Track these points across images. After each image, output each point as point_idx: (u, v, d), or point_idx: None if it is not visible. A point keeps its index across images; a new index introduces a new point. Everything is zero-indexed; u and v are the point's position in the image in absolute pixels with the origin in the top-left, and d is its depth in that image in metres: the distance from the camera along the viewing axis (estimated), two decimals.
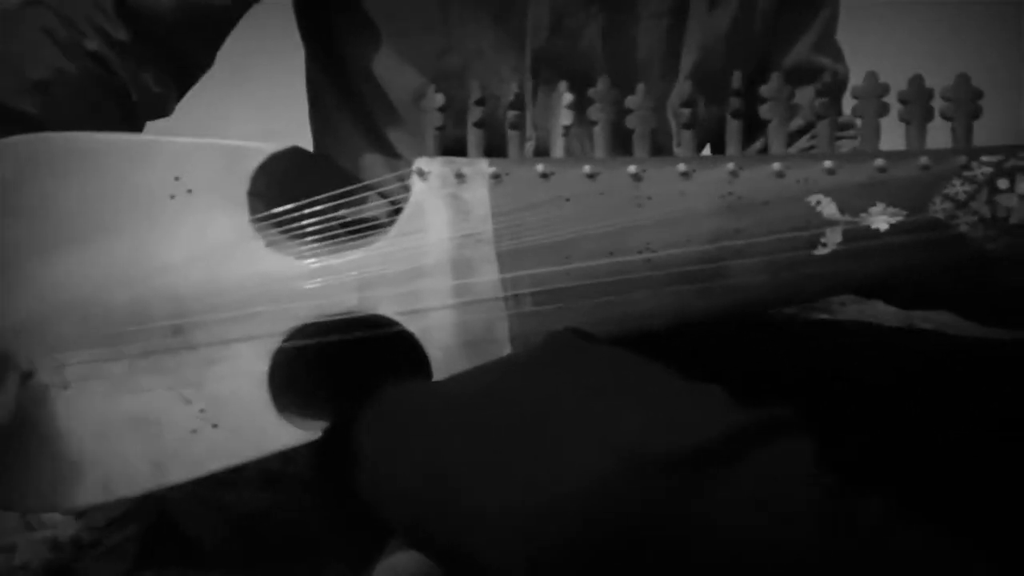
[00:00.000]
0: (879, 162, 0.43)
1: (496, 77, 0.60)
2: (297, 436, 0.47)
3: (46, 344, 0.47)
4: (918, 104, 0.45)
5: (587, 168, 0.45)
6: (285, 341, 0.46)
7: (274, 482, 0.68)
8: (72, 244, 0.47)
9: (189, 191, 0.46)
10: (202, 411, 0.47)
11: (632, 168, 0.45)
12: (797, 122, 0.70)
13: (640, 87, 0.46)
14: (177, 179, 0.46)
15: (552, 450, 0.37)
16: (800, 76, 0.69)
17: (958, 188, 0.43)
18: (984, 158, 0.43)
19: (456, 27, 0.59)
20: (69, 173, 0.47)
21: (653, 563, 0.34)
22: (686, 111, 0.46)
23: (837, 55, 0.71)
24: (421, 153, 0.46)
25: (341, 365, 0.50)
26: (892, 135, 0.45)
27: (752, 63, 0.68)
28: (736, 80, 0.46)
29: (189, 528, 0.60)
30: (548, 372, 0.41)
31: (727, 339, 0.56)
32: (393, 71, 0.62)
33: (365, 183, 0.46)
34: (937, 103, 0.45)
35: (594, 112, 0.46)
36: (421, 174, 0.46)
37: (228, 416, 0.47)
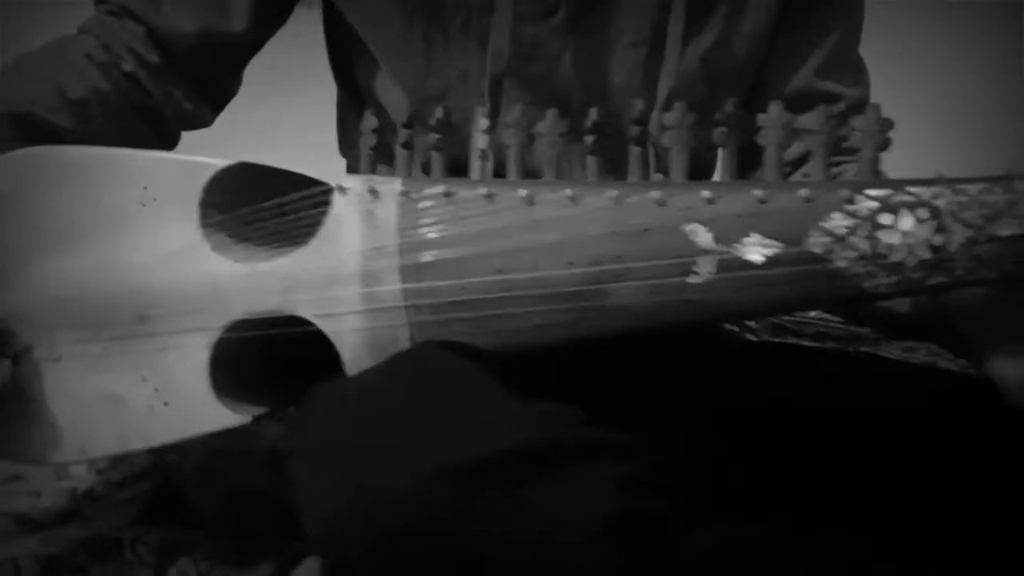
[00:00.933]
0: (758, 193, 0.43)
1: (480, 101, 0.63)
2: (232, 419, 0.52)
3: (43, 326, 0.56)
4: (823, 134, 0.44)
5: (483, 190, 0.48)
6: (224, 334, 0.52)
7: (279, 462, 0.75)
8: (63, 244, 0.55)
9: (155, 200, 0.53)
10: (157, 391, 0.54)
11: (524, 192, 0.47)
12: (799, 148, 0.68)
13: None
14: (145, 189, 0.54)
15: (370, 458, 0.40)
16: (803, 102, 0.67)
17: (838, 222, 0.42)
18: (870, 192, 0.42)
19: (439, 52, 0.63)
20: (61, 184, 0.55)
21: (438, 567, 0.37)
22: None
23: (852, 80, 0.68)
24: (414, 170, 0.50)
25: (283, 359, 0.55)
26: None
27: (740, 89, 0.67)
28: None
29: (190, 496, 0.68)
30: (389, 383, 0.44)
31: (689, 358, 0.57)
32: (390, 92, 0.67)
33: (295, 196, 0.51)
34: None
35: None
36: (342, 190, 0.50)
37: (177, 397, 0.53)
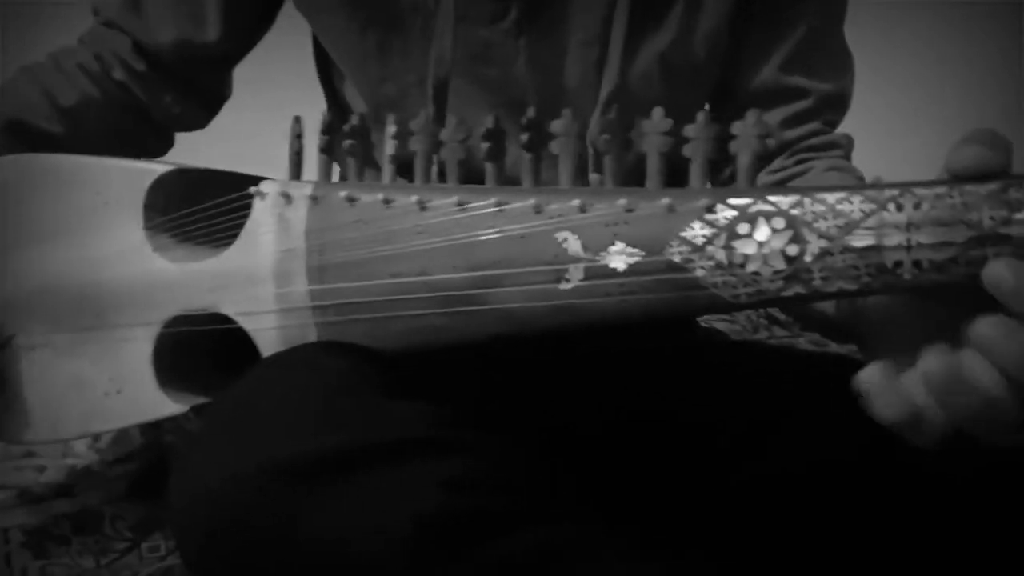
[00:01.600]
0: (624, 201, 0.43)
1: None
2: (173, 408, 0.57)
3: (22, 316, 0.62)
4: (702, 140, 0.44)
5: (381, 195, 0.49)
6: (164, 328, 0.56)
7: None
8: (38, 242, 0.61)
9: (106, 203, 0.58)
10: (111, 379, 0.58)
11: (415, 197, 0.48)
12: (769, 143, 0.66)
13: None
14: (98, 193, 0.58)
15: (209, 455, 0.42)
16: (769, 98, 0.66)
17: (697, 231, 0.41)
18: (731, 200, 0.41)
19: (395, 58, 0.64)
20: (36, 187, 0.61)
21: (262, 563, 0.39)
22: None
23: (823, 74, 0.66)
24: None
25: (219, 352, 0.59)
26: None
27: (701, 90, 0.66)
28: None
29: None
30: (247, 383, 0.47)
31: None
32: (354, 98, 0.70)
33: (221, 200, 0.55)
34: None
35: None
36: (261, 195, 0.53)
37: (127, 385, 0.58)
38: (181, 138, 0.79)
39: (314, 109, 0.56)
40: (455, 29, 0.61)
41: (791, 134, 0.65)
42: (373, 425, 0.41)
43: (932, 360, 0.35)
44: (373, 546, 0.37)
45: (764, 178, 0.66)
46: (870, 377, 0.38)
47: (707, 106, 0.68)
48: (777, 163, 0.67)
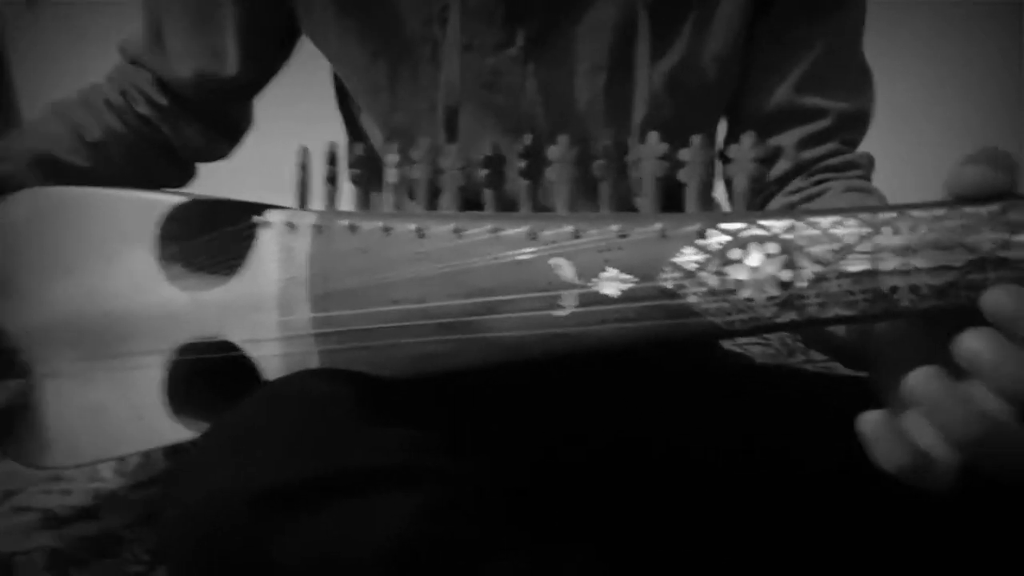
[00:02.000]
0: (616, 226, 0.42)
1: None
2: (187, 434, 0.57)
3: (45, 345, 0.63)
4: (698, 164, 0.43)
5: (381, 223, 0.49)
6: (176, 356, 0.57)
7: None
8: (60, 272, 0.62)
9: (122, 234, 0.59)
10: (129, 406, 0.59)
11: (414, 225, 0.48)
12: (783, 167, 0.65)
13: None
14: (114, 225, 0.59)
15: (196, 478, 0.43)
16: (784, 119, 0.65)
17: (688, 257, 0.40)
18: (723, 225, 0.40)
19: (406, 85, 0.65)
20: (57, 219, 0.62)
21: None
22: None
23: (840, 93, 0.65)
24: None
25: (230, 380, 0.59)
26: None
27: (714, 111, 0.65)
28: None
29: None
30: (243, 410, 0.47)
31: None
32: (370, 128, 0.71)
33: (229, 229, 0.55)
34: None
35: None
36: (266, 224, 0.53)
37: (146, 411, 0.59)
38: (210, 168, 0.81)
39: (338, 138, 0.56)
40: (463, 57, 0.61)
41: (808, 155, 0.63)
42: (348, 453, 0.41)
43: (922, 378, 0.34)
44: (344, 570, 0.37)
45: (782, 200, 0.65)
46: (871, 422, 0.36)
47: (723, 127, 0.68)
48: (795, 184, 0.65)
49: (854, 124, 0.66)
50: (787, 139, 0.65)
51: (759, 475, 0.51)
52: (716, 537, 0.51)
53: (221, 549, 0.39)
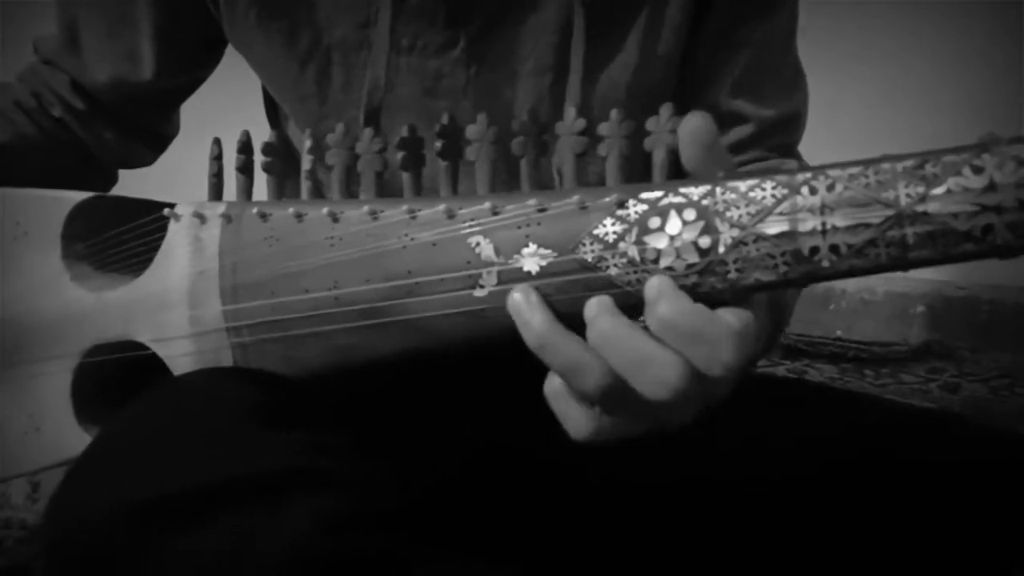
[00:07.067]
0: (534, 201, 0.41)
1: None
2: None
3: None
4: (616, 139, 0.42)
5: (292, 210, 0.47)
6: (82, 360, 0.54)
7: None
8: None
9: (26, 233, 0.56)
10: (30, 416, 0.56)
11: (326, 210, 0.46)
12: (745, 130, 0.65)
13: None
14: (18, 224, 0.56)
15: (80, 486, 0.40)
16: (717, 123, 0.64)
17: (608, 228, 0.39)
18: (643, 195, 0.39)
19: (337, 92, 0.63)
20: None
21: None
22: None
23: (769, 98, 0.64)
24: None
25: (139, 383, 0.56)
26: None
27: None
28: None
29: None
30: (133, 412, 0.44)
31: None
32: (296, 135, 0.68)
33: (135, 224, 0.53)
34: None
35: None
36: (175, 216, 0.51)
37: (46, 422, 0.55)
38: (137, 174, 0.78)
39: None
40: (408, 61, 0.60)
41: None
42: (244, 458, 0.38)
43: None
44: None
45: None
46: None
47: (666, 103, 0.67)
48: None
49: (783, 128, 0.66)
50: None
51: (685, 478, 0.50)
52: (638, 536, 0.49)
53: (103, 564, 0.36)
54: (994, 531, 0.49)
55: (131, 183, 0.78)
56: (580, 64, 0.58)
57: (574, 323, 0.40)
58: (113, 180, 0.76)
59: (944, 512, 0.49)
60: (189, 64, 0.70)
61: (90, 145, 0.72)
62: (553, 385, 0.39)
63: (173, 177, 0.88)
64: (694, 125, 0.37)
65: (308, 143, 0.49)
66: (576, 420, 0.39)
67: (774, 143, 0.65)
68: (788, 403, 0.58)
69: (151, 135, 0.75)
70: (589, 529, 0.54)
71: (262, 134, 0.72)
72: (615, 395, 0.37)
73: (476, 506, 0.54)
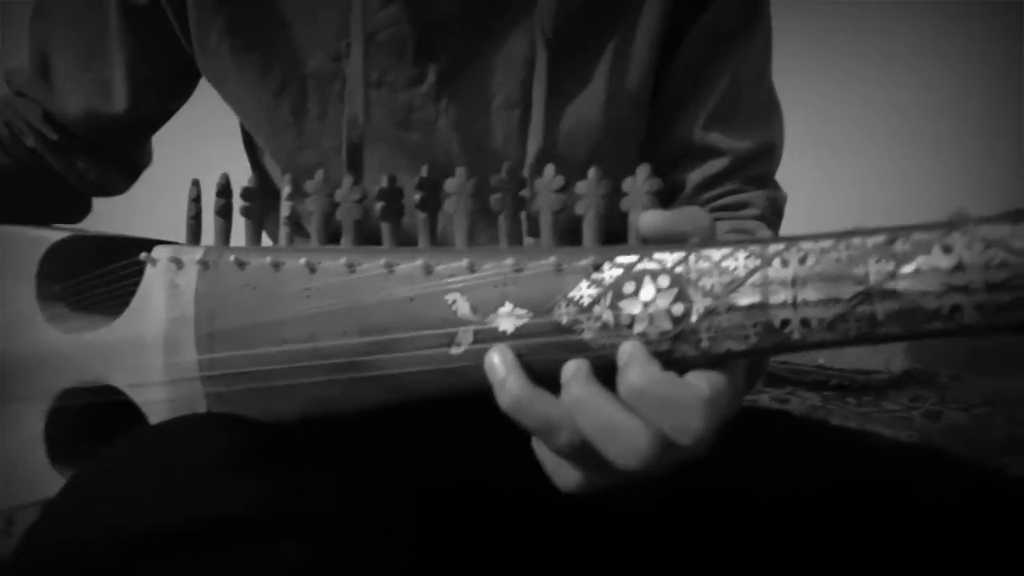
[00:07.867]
0: (511, 260, 0.41)
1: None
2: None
3: None
4: (593, 198, 0.42)
5: (269, 259, 0.47)
6: (56, 403, 0.53)
7: None
8: None
9: (1, 272, 0.56)
10: (3, 458, 0.55)
11: (304, 260, 0.46)
12: (717, 165, 0.65)
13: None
14: None
15: (51, 522, 0.40)
16: (689, 158, 0.64)
17: (583, 291, 0.39)
18: (619, 259, 0.39)
19: (312, 124, 0.63)
20: None
21: None
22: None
23: (742, 130, 0.65)
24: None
25: (114, 427, 0.56)
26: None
27: (630, 148, 0.65)
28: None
29: None
30: (115, 449, 0.44)
31: None
32: (272, 168, 0.68)
33: (114, 267, 0.52)
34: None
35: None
36: (152, 261, 0.51)
37: (19, 464, 0.55)
38: (111, 203, 0.77)
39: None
40: (376, 93, 0.60)
41: (704, 196, 0.63)
42: (219, 502, 0.38)
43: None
44: None
45: None
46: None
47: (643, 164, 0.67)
48: None
49: (758, 160, 0.66)
50: (693, 177, 0.65)
51: (656, 514, 0.50)
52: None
53: None
54: (968, 566, 0.49)
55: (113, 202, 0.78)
56: (543, 99, 0.58)
57: (549, 383, 0.40)
58: (87, 209, 0.76)
59: (919, 547, 0.50)
60: (162, 96, 0.70)
61: (64, 175, 0.71)
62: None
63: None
64: (649, 224, 0.38)
65: (287, 189, 0.49)
66: (563, 475, 0.39)
67: (750, 175, 0.65)
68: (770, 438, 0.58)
69: (125, 164, 0.74)
70: (577, 553, 0.54)
71: (243, 163, 0.71)
72: (586, 457, 0.37)
73: (462, 539, 0.53)
